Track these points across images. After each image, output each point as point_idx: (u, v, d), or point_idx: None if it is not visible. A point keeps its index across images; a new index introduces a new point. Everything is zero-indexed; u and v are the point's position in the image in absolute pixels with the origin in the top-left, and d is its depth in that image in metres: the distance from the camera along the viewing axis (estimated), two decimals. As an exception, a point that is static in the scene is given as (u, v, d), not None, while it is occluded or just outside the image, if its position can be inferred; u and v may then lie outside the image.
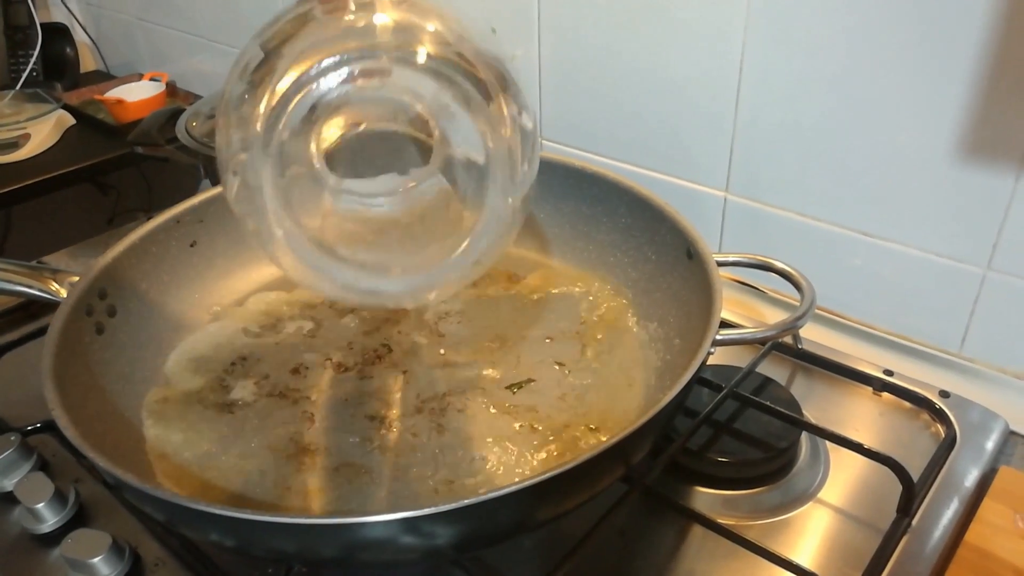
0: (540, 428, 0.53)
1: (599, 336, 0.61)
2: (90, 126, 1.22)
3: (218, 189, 0.66)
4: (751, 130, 0.67)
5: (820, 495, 0.55)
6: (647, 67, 0.71)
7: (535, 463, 0.51)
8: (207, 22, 1.16)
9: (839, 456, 0.57)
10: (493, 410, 0.55)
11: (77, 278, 0.54)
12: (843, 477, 0.56)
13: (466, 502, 0.37)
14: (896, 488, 0.52)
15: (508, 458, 0.51)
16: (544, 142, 0.82)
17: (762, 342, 0.63)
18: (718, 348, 0.69)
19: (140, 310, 0.59)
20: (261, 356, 0.60)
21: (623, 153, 0.76)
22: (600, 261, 0.65)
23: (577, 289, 0.65)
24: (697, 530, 0.52)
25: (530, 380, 0.57)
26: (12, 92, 1.25)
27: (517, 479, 0.48)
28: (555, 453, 0.51)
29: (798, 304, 0.52)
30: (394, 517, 0.37)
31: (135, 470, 0.42)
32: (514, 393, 0.56)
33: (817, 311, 0.69)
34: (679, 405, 0.44)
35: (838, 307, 0.68)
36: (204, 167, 0.79)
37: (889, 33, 0.56)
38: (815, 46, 0.60)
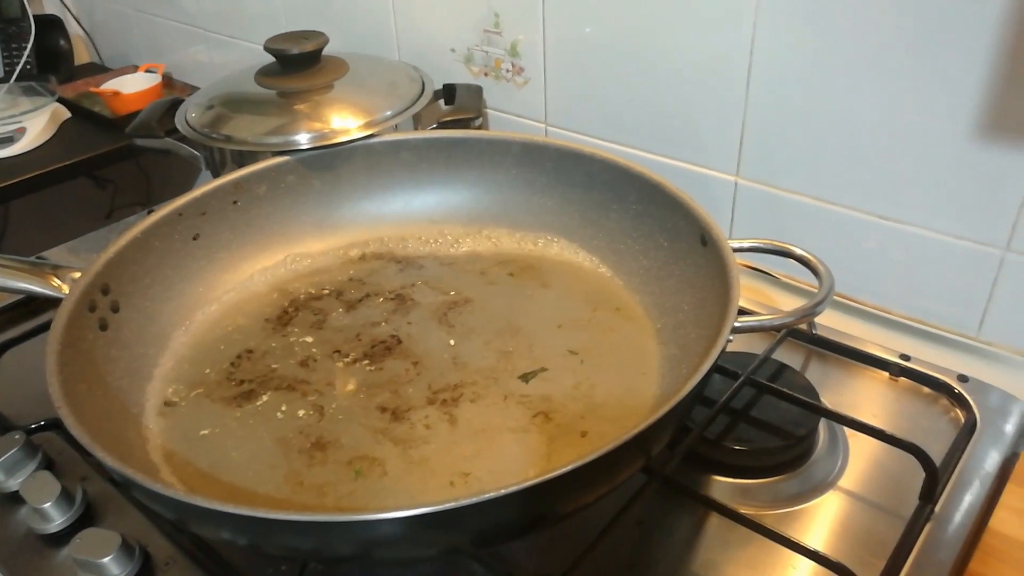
0: (555, 418, 0.52)
1: (611, 324, 0.59)
2: (86, 119, 1.20)
3: (220, 181, 0.65)
4: (762, 113, 0.65)
5: (840, 483, 0.54)
6: (654, 49, 0.69)
7: (551, 454, 0.50)
8: (203, 12, 1.14)
9: (857, 443, 0.56)
10: (506, 400, 0.54)
11: (79, 274, 0.53)
12: (862, 464, 0.55)
13: (485, 497, 0.36)
14: (916, 474, 0.51)
15: (524, 449, 0.50)
16: (549, 128, 0.81)
17: (780, 329, 0.62)
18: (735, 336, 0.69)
19: (144, 305, 0.58)
20: (268, 349, 0.59)
21: (630, 138, 0.75)
22: (610, 248, 0.64)
23: (587, 276, 0.64)
24: (715, 519, 0.51)
25: (543, 369, 0.56)
26: (6, 86, 1.23)
27: (534, 471, 0.48)
28: (572, 444, 0.50)
29: (813, 290, 0.51)
30: (412, 513, 0.35)
31: (143, 468, 0.41)
32: (527, 383, 0.55)
33: (833, 296, 0.68)
34: (699, 394, 0.43)
35: (853, 291, 0.67)
36: (205, 158, 0.77)
37: (905, 11, 0.55)
38: (828, 25, 0.59)
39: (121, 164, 1.24)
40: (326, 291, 0.65)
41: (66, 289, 0.52)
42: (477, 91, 0.82)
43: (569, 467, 0.37)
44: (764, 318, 0.49)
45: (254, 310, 0.63)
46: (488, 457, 0.49)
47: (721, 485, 0.54)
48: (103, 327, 0.53)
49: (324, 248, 0.69)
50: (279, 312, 0.63)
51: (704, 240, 0.54)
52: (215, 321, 0.62)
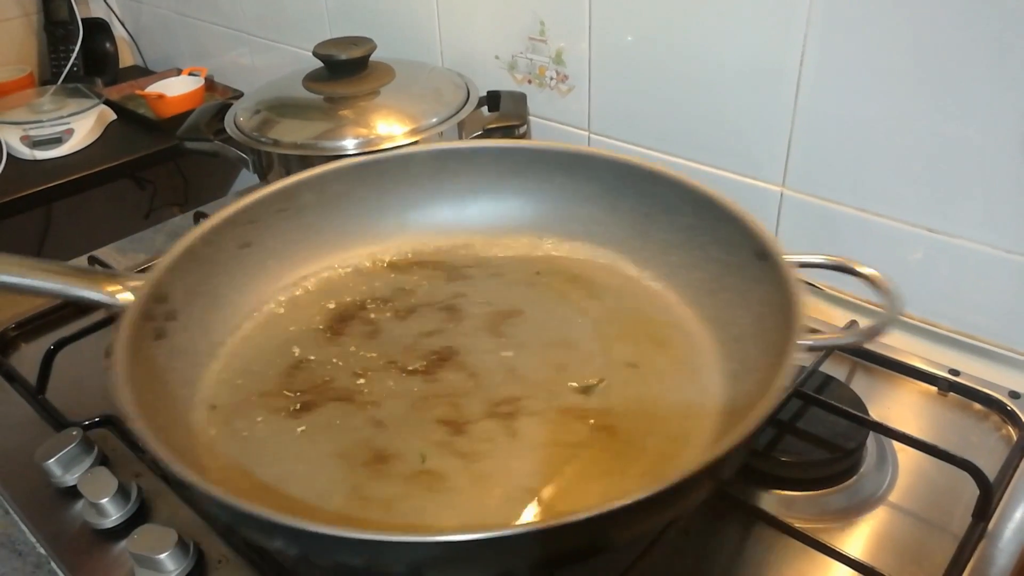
0: (616, 433, 0.51)
1: (665, 337, 0.58)
2: (131, 121, 1.23)
3: (268, 189, 0.64)
4: (811, 122, 0.65)
5: (889, 497, 0.53)
6: (701, 57, 0.69)
7: (614, 471, 0.48)
8: (246, 16, 1.16)
9: (906, 457, 0.56)
10: (566, 413, 0.52)
11: (138, 282, 0.53)
12: (911, 479, 0.55)
13: (552, 523, 0.35)
14: (966, 490, 0.51)
15: (586, 464, 0.49)
16: (593, 136, 0.81)
17: (850, 348, 0.60)
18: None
19: (197, 314, 0.58)
20: (322, 359, 0.59)
21: (675, 147, 0.75)
22: (661, 260, 0.63)
23: (637, 288, 0.63)
24: (764, 531, 0.51)
25: (601, 381, 0.55)
26: (54, 87, 1.26)
27: (597, 488, 0.47)
28: (636, 460, 0.49)
29: (860, 303, 0.49)
30: (475, 537, 0.34)
31: (208, 478, 0.41)
32: (586, 396, 0.54)
33: (878, 309, 0.68)
34: (771, 419, 0.42)
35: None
36: (252, 161, 0.78)
37: (961, 21, 0.55)
38: (880, 34, 0.59)
39: (162, 166, 1.26)
40: (376, 301, 0.64)
41: (124, 298, 0.52)
42: (521, 98, 0.83)
43: (641, 496, 0.35)
44: (832, 337, 0.48)
45: (305, 319, 0.63)
46: (550, 473, 0.48)
47: (768, 497, 0.54)
48: (160, 336, 0.53)
49: (371, 257, 0.68)
50: (331, 321, 0.62)
51: (761, 255, 0.53)
52: (267, 330, 0.62)
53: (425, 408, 0.54)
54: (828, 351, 0.62)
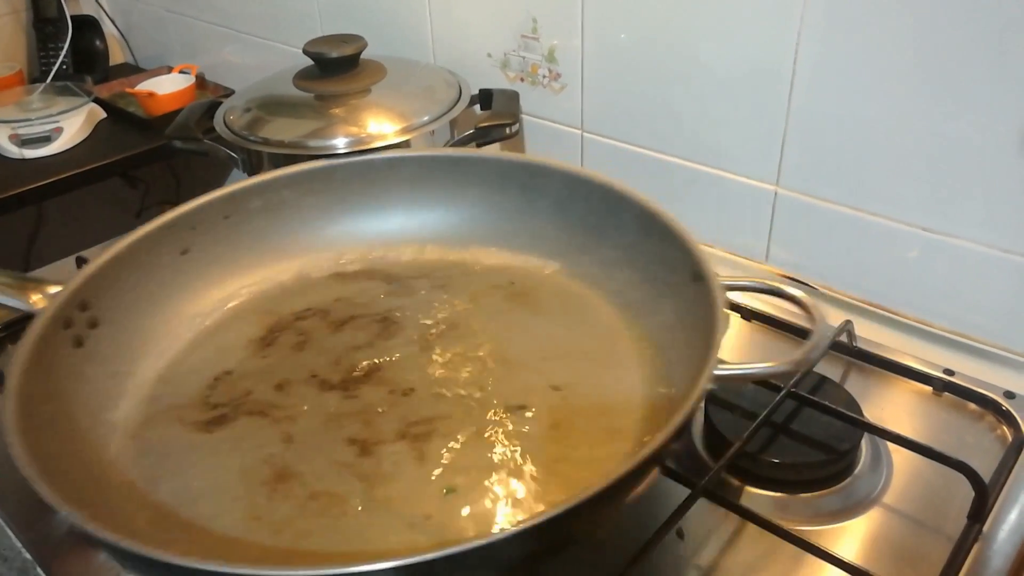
0: (529, 458, 0.49)
1: (599, 357, 0.56)
2: (121, 119, 1.22)
3: (211, 196, 0.63)
4: (805, 121, 0.65)
5: (883, 499, 0.53)
6: (695, 56, 0.69)
7: (522, 498, 0.47)
8: (238, 13, 1.15)
9: (901, 458, 0.55)
10: (482, 435, 0.51)
11: (57, 288, 0.51)
12: (905, 480, 0.54)
13: (430, 555, 0.33)
14: (960, 492, 0.50)
15: (494, 491, 0.47)
16: (586, 134, 0.81)
17: (765, 379, 0.58)
18: (767, 349, 0.67)
19: (126, 321, 0.56)
20: (247, 370, 0.57)
21: (668, 145, 0.75)
22: (605, 276, 0.61)
23: (581, 306, 0.61)
24: (757, 533, 0.50)
25: (524, 405, 0.53)
26: (43, 85, 1.25)
27: (501, 519, 0.45)
28: (543, 490, 0.47)
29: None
30: (348, 571, 0.33)
31: (99, 500, 0.41)
32: (506, 418, 0.52)
33: (873, 308, 0.68)
34: (673, 442, 0.40)
35: (895, 304, 0.67)
36: (242, 160, 0.78)
37: (956, 20, 0.54)
38: (875, 33, 0.58)
39: (153, 165, 1.25)
40: (312, 311, 0.62)
41: (42, 305, 0.51)
42: (514, 96, 0.82)
43: (518, 528, 0.35)
44: (745, 367, 0.45)
45: (239, 329, 0.61)
46: (455, 500, 0.47)
47: (762, 499, 0.54)
48: (78, 344, 0.52)
49: (316, 266, 0.66)
50: (263, 332, 0.60)
51: (696, 276, 0.51)
52: (198, 339, 0.60)
53: (337, 426, 0.52)
54: (743, 380, 0.57)
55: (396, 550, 0.44)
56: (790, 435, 0.56)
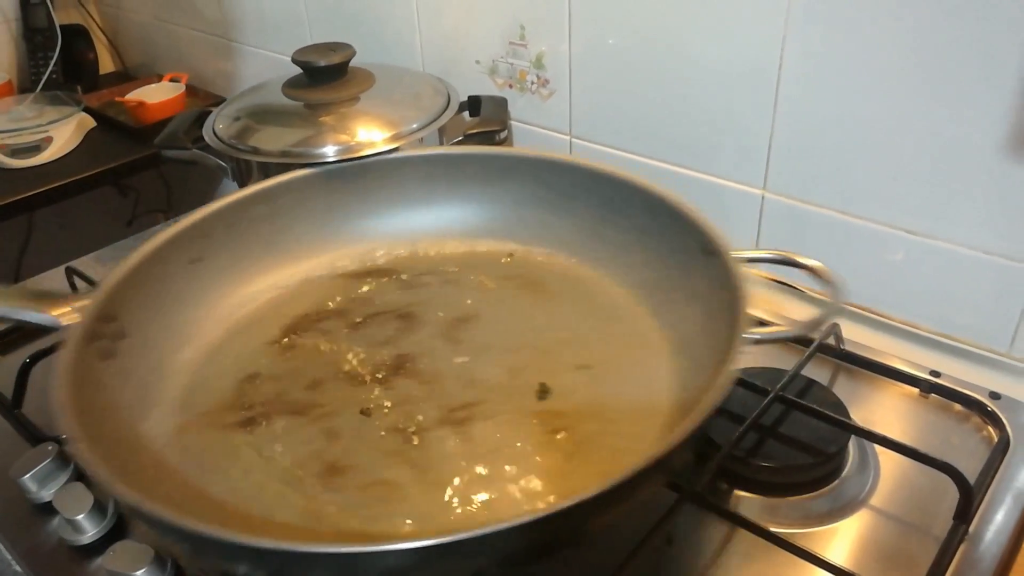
0: (571, 434, 0.51)
1: (620, 337, 0.58)
2: (111, 128, 1.21)
3: (222, 202, 0.64)
4: (791, 125, 0.65)
5: (871, 501, 0.53)
6: (681, 61, 0.69)
7: (570, 472, 0.49)
8: (227, 22, 1.15)
9: (888, 460, 0.56)
10: (521, 417, 0.53)
11: (84, 302, 0.52)
12: (892, 482, 0.55)
13: (497, 527, 0.35)
14: (948, 493, 0.51)
15: (541, 467, 0.49)
16: (575, 140, 0.81)
17: (796, 339, 0.61)
18: (755, 349, 0.68)
19: (147, 331, 0.56)
20: (275, 372, 0.58)
21: (656, 150, 0.75)
22: (616, 261, 0.63)
23: (594, 290, 0.63)
24: (745, 537, 0.51)
25: (555, 384, 0.55)
26: (32, 95, 1.24)
27: (552, 493, 0.47)
28: (590, 460, 0.49)
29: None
30: (435, 542, 0.34)
31: (156, 499, 0.41)
32: (541, 399, 0.54)
33: (859, 311, 0.68)
34: (717, 410, 0.42)
35: (881, 307, 0.67)
36: (232, 169, 0.78)
37: (939, 24, 0.55)
38: (860, 37, 0.59)
39: (144, 173, 1.25)
40: (330, 312, 0.63)
41: (67, 320, 0.51)
42: (502, 103, 0.82)
43: (587, 495, 0.36)
44: (777, 330, 0.48)
45: (259, 332, 0.62)
46: (507, 477, 0.49)
47: (750, 502, 0.54)
48: (108, 356, 0.52)
49: (326, 268, 0.67)
50: (285, 334, 0.61)
51: (708, 250, 0.53)
52: (220, 345, 0.60)
53: (378, 417, 0.53)
54: (787, 345, 0.63)
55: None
56: (778, 438, 0.56)
